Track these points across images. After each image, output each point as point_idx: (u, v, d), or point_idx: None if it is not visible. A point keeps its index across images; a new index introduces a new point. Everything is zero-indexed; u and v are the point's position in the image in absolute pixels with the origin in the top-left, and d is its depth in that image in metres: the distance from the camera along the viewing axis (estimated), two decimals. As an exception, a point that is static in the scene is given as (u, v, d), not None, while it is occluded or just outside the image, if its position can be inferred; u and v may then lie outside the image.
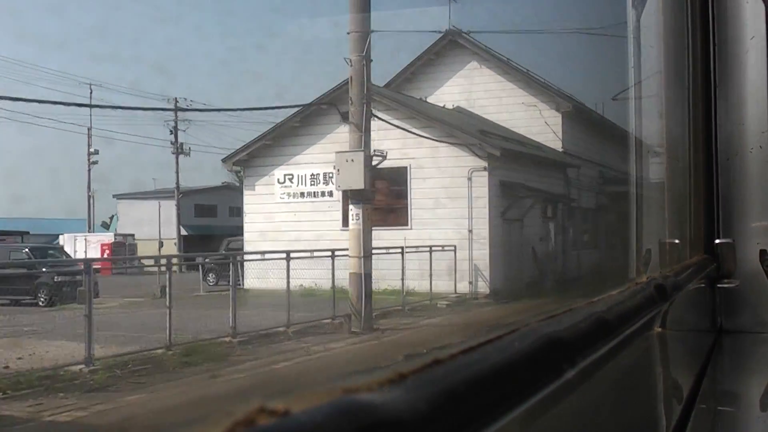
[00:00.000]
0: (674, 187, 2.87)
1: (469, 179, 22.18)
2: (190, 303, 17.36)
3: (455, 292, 21.17)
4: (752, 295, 2.68)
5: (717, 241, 2.72)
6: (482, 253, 22.06)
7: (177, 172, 38.56)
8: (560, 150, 27.65)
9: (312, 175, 23.93)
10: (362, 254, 15.57)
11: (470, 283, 21.83)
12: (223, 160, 25.66)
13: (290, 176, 24.15)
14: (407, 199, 22.90)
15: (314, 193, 23.94)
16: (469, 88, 27.80)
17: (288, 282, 15.85)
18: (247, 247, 23.96)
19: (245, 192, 25.00)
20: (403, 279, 19.36)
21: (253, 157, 24.59)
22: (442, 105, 26.79)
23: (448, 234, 21.84)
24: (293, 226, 23.24)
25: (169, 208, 38.02)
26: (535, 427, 0.87)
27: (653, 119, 3.27)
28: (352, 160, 15.66)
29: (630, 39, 3.38)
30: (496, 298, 21.04)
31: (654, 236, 2.89)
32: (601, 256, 29.52)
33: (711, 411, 1.91)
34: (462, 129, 23.09)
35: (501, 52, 28.46)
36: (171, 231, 37.76)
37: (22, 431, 8.50)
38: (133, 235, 37.63)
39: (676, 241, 2.73)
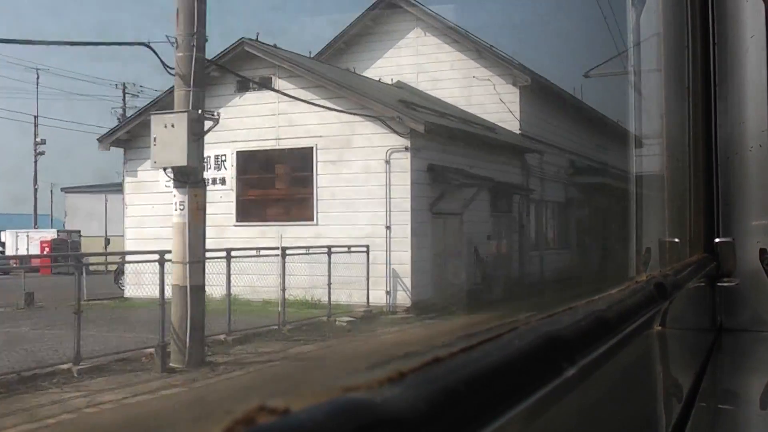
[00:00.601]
0: (674, 186, 2.87)
1: (387, 162, 17.81)
2: (45, 317, 14.15)
3: (368, 305, 17.18)
4: (752, 293, 2.69)
5: (717, 239, 2.73)
6: (402, 255, 17.70)
7: (124, 163, 37.09)
8: (517, 132, 23.53)
9: (201, 158, 20.08)
10: (188, 259, 11.37)
11: (387, 292, 17.59)
12: (99, 140, 20.74)
13: (177, 159, 20.08)
14: (313, 187, 18.57)
15: (204, 180, 20.43)
16: (412, 60, 23.83)
17: (79, 294, 11.86)
18: (128, 247, 19.96)
19: (126, 179, 20.67)
20: (283, 289, 15.53)
21: (135, 136, 19.78)
22: (377, 79, 22.72)
23: (362, 230, 17.61)
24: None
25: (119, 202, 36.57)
26: (535, 425, 0.87)
27: (653, 118, 3.28)
28: (173, 126, 11.58)
29: (630, 38, 3.39)
30: (420, 312, 17.02)
31: (654, 235, 2.90)
32: (572, 257, 26.21)
33: (711, 409, 1.92)
34: (378, 99, 18.61)
35: (448, 17, 24.49)
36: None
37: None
38: (79, 232, 35.45)
39: (676, 239, 2.73)
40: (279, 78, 18.85)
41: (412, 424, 0.55)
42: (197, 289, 11.52)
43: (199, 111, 11.80)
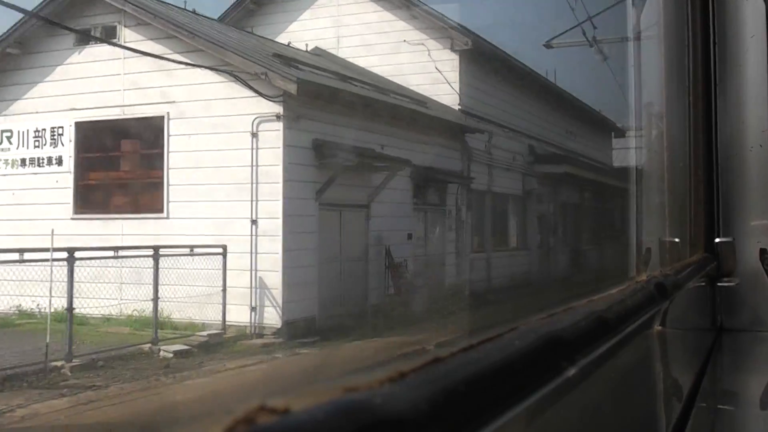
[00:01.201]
0: (674, 186, 2.88)
1: (254, 135, 13.63)
2: None
3: (223, 325, 13.21)
4: (752, 293, 2.69)
5: (717, 239, 2.73)
6: (272, 259, 13.41)
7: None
8: (456, 107, 19.22)
9: (36, 131, 15.63)
10: None
11: (253, 309, 13.43)
12: None
13: (8, 133, 15.75)
14: (164, 169, 14.49)
15: (38, 159, 15.62)
16: (333, 22, 19.89)
17: None
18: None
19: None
20: (70, 309, 11.13)
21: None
22: (287, 43, 18.98)
23: (222, 226, 13.65)
24: (11, 212, 15.39)
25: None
26: (536, 425, 0.87)
27: (653, 118, 3.28)
28: None
29: (630, 37, 3.39)
30: (294, 335, 13.05)
31: (654, 235, 2.90)
32: (532, 260, 22.55)
33: (711, 410, 1.92)
34: (241, 52, 14.43)
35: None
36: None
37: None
38: None
39: (676, 239, 2.73)
40: (126, 27, 15.04)
41: (413, 424, 0.55)
42: None
43: None
